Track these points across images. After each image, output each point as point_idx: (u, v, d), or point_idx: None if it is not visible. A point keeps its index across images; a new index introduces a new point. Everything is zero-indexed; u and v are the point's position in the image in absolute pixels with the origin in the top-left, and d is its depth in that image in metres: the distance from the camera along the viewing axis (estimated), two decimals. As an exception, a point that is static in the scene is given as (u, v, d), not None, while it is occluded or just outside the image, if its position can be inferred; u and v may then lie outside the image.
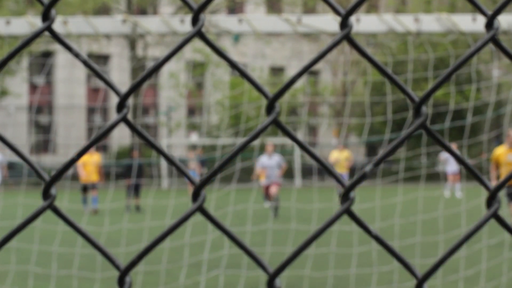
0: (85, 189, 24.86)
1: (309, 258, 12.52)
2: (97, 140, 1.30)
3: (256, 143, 28.36)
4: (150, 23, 9.18)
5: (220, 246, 14.17)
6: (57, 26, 8.80)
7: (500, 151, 14.12)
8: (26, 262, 12.66)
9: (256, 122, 34.88)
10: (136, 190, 26.28)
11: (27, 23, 8.88)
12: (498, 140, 50.15)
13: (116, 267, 1.32)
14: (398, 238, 14.39)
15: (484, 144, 36.41)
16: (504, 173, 14.05)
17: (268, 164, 22.58)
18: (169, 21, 9.01)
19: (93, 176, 24.75)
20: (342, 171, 29.12)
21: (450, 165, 33.26)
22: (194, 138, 50.53)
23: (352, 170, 52.96)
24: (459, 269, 11.63)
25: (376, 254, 12.66)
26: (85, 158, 24.49)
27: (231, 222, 19.45)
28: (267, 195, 23.03)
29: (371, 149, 61.87)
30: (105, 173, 26.35)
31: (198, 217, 14.04)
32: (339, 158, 28.99)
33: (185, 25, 8.92)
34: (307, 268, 11.76)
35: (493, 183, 13.99)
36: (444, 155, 33.47)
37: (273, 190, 22.57)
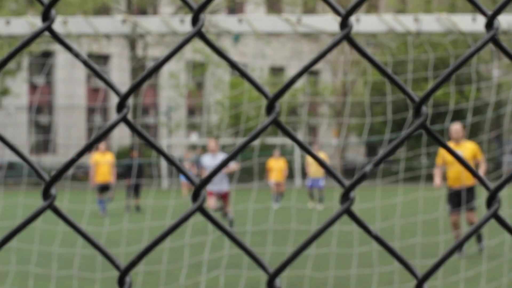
0: (101, 190, 24.03)
1: (310, 258, 12.52)
2: (97, 140, 1.30)
3: (256, 143, 28.35)
4: (150, 23, 9.18)
5: (220, 246, 14.18)
6: (57, 26, 8.80)
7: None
8: (26, 263, 12.67)
9: (256, 122, 34.87)
10: (136, 190, 26.28)
11: (27, 23, 8.88)
12: (498, 140, 50.15)
13: (116, 267, 1.32)
14: (399, 239, 14.39)
15: (484, 144, 36.41)
16: (451, 171, 13.60)
17: (211, 164, 18.14)
18: (169, 21, 9.01)
19: (107, 176, 23.99)
20: (317, 175, 26.99)
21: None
22: (194, 138, 50.55)
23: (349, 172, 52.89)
24: (460, 270, 11.64)
25: (376, 255, 12.66)
26: (98, 158, 24.06)
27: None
28: (216, 204, 18.24)
29: (371, 149, 61.90)
30: (117, 173, 25.79)
31: (198, 217, 13.96)
32: (313, 161, 27.02)
33: (185, 25, 8.92)
34: (307, 268, 11.76)
35: (437, 180, 13.64)
36: None
37: (225, 205, 18.06)
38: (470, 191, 13.52)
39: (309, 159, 27.62)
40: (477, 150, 13.63)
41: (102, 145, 24.12)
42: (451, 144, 13.48)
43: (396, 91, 20.29)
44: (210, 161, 18.09)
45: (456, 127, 13.58)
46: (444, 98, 38.81)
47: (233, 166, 18.44)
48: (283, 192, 28.43)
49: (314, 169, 26.99)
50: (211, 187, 17.88)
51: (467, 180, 13.44)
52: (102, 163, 23.94)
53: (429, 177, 22.18)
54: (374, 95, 41.37)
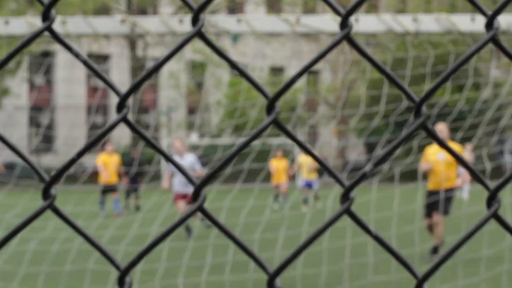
0: (104, 191, 23.76)
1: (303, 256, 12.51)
2: (97, 140, 1.30)
3: (256, 143, 28.30)
4: (149, 23, 9.18)
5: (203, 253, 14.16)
6: (56, 26, 8.80)
7: (430, 150, 13.61)
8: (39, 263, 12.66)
9: (249, 118, 34.76)
10: (135, 190, 26.24)
11: (26, 23, 8.87)
12: (499, 139, 50.09)
13: (116, 267, 1.32)
14: (396, 241, 14.38)
15: (479, 142, 36.38)
16: (434, 172, 13.37)
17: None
18: (168, 21, 9.01)
19: (113, 177, 23.78)
20: (310, 176, 26.11)
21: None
22: (194, 138, 50.53)
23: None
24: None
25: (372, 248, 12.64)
26: (105, 159, 23.92)
27: (226, 221, 19.43)
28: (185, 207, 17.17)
29: (371, 149, 61.86)
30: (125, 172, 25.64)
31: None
32: (306, 161, 25.95)
33: (184, 25, 8.92)
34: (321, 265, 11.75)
35: (427, 164, 13.48)
36: None
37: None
38: (449, 194, 13.36)
39: (300, 161, 26.83)
40: (461, 151, 13.61)
41: (109, 146, 24.11)
42: (434, 145, 13.30)
43: (394, 87, 20.23)
44: (178, 162, 16.37)
45: (440, 127, 13.50)
46: (442, 97, 38.73)
47: (199, 171, 17.35)
48: (285, 193, 28.04)
49: (306, 171, 26.26)
50: (180, 188, 17.19)
51: (447, 182, 13.32)
52: (109, 164, 23.83)
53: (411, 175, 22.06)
54: (374, 94, 41.32)
